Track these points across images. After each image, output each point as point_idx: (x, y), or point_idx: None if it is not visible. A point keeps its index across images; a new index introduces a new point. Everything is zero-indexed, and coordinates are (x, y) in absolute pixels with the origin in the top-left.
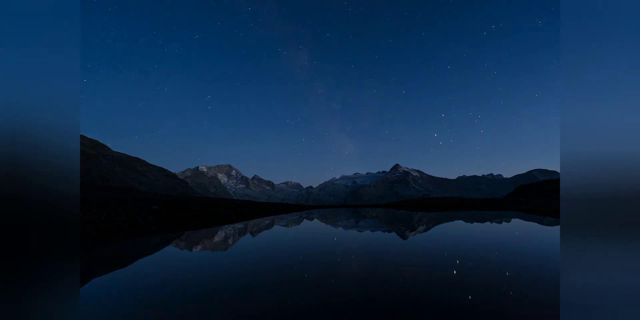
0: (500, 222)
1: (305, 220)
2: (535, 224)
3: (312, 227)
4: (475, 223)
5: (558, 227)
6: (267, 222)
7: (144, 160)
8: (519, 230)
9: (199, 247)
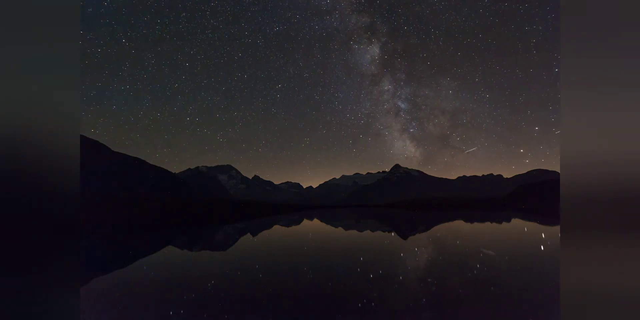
0: (500, 223)
1: (305, 220)
2: (535, 224)
3: (311, 228)
4: (475, 223)
5: (558, 227)
6: (266, 222)
7: (145, 161)
8: (519, 230)
9: (199, 246)
